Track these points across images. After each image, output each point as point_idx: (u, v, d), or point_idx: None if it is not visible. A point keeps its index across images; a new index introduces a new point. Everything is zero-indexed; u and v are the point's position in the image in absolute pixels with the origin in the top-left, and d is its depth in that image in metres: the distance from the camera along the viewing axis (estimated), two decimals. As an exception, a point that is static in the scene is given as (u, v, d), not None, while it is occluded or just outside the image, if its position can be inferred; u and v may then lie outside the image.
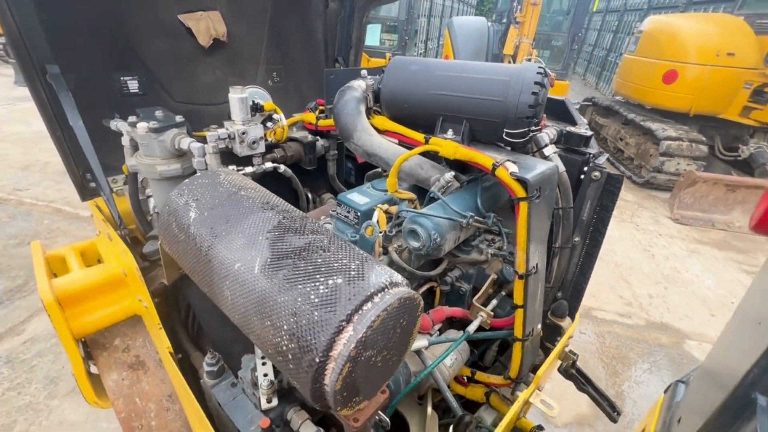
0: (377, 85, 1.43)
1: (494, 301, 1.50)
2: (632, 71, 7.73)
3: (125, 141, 1.47)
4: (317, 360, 0.71)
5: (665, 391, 1.63)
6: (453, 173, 1.27)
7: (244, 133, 1.45)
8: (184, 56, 2.28)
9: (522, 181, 1.15)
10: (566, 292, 1.68)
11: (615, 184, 1.39)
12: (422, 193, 1.39)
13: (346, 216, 1.29)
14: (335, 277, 0.78)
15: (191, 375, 1.60)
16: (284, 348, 0.76)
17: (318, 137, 1.96)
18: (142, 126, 1.36)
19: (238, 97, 1.47)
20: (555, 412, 1.35)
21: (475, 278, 1.49)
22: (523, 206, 1.17)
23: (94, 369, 1.55)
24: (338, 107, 1.38)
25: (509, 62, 7.30)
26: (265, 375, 1.06)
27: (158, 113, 1.46)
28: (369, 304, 0.74)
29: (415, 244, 1.17)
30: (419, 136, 1.35)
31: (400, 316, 0.79)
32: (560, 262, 1.59)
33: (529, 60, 7.36)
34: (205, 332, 1.57)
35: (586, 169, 1.47)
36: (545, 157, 1.41)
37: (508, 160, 1.21)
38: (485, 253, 1.40)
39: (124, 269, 1.54)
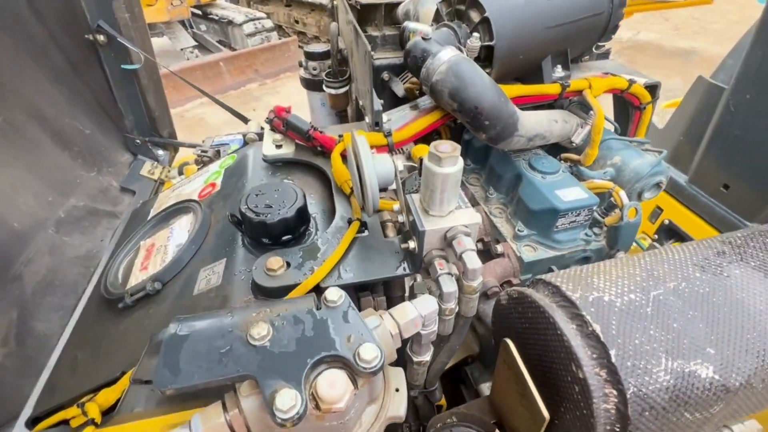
0: (485, 41, 0.95)
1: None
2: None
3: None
4: None
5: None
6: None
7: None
8: None
9: (653, 87, 1.20)
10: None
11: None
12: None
13: (573, 222, 0.99)
14: None
15: None
16: None
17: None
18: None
19: (446, 172, 0.63)
20: None
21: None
22: (650, 109, 1.24)
23: None
24: (481, 96, 0.87)
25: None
26: None
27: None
28: None
29: (651, 196, 1.09)
30: (550, 88, 1.08)
31: None
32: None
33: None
34: None
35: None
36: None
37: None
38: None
39: None
